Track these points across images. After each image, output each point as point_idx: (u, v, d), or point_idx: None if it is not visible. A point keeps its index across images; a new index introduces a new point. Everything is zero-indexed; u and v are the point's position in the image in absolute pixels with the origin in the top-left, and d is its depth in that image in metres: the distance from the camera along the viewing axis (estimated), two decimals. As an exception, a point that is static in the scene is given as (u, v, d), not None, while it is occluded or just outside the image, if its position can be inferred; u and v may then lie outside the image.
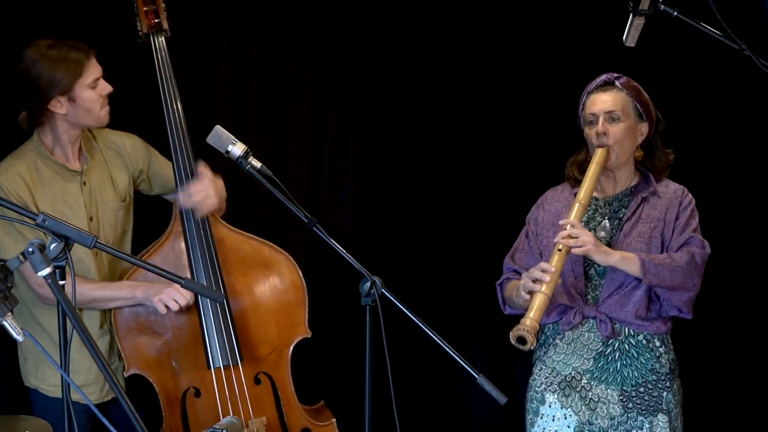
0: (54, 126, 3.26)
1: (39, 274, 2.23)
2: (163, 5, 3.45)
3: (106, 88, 3.27)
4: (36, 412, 3.33)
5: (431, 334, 2.83)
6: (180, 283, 2.64)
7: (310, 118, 4.19)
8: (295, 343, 3.45)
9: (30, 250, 2.22)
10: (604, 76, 3.33)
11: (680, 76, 4.15)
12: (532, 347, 3.04)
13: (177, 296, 3.26)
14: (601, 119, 3.26)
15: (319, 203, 4.21)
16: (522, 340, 3.03)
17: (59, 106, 3.20)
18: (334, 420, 3.49)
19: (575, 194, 3.34)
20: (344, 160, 4.25)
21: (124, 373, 3.35)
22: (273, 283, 3.47)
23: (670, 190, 3.35)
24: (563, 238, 3.13)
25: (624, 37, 3.08)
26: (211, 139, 3.04)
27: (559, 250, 3.13)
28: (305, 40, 4.14)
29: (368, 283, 2.81)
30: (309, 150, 4.19)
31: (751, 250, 4.19)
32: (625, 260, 3.16)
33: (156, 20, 3.43)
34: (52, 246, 2.32)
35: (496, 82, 4.25)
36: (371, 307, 2.82)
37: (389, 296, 2.83)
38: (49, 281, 2.25)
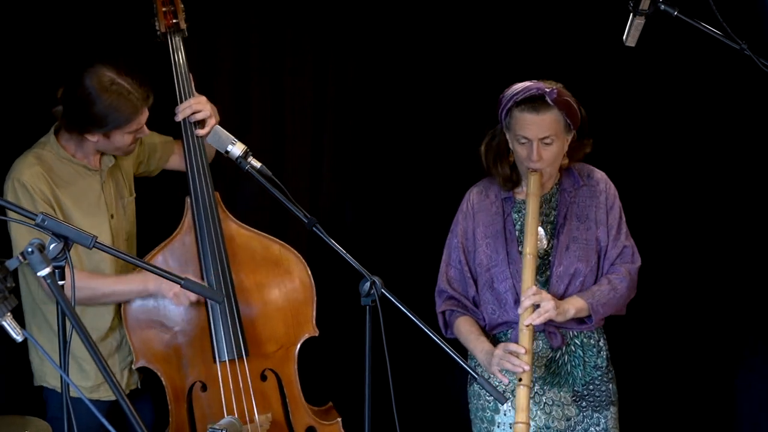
0: (81, 141, 3.28)
1: (38, 274, 2.23)
2: (182, 6, 3.46)
3: (142, 133, 3.30)
4: (52, 413, 3.33)
5: (431, 334, 2.83)
6: (180, 284, 2.64)
7: (311, 118, 4.19)
8: (302, 341, 3.47)
9: (29, 250, 2.22)
10: (534, 89, 3.14)
11: (680, 76, 4.14)
12: None
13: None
14: (535, 145, 3.14)
15: (319, 203, 4.21)
16: None
17: (92, 137, 3.23)
18: (339, 420, 3.50)
19: (505, 199, 3.31)
20: (344, 160, 4.25)
21: (132, 366, 3.37)
22: (282, 280, 3.48)
23: (593, 181, 3.32)
24: (526, 311, 3.09)
25: (624, 37, 3.07)
26: (210, 139, 3.05)
27: (527, 326, 3.10)
28: (305, 41, 4.14)
29: (368, 283, 2.81)
30: (309, 150, 4.19)
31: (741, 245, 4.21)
32: (579, 311, 3.19)
33: (174, 20, 3.45)
34: (52, 246, 2.31)
35: (497, 80, 4.23)
36: (371, 307, 2.82)
37: (389, 296, 2.82)
38: (49, 281, 2.25)
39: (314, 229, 2.91)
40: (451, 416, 4.38)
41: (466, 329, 3.30)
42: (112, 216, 3.37)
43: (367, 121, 4.27)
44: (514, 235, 3.28)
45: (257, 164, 2.96)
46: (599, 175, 3.34)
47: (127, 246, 3.43)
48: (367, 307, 2.82)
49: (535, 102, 3.14)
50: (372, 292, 2.81)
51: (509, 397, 3.17)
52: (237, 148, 2.97)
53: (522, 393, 3.04)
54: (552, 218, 3.29)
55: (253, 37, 4.08)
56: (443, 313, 3.36)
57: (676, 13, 2.96)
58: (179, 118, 3.43)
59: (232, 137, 2.99)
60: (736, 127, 4.12)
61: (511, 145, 3.24)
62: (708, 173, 4.18)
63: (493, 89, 4.24)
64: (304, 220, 2.93)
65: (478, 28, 4.25)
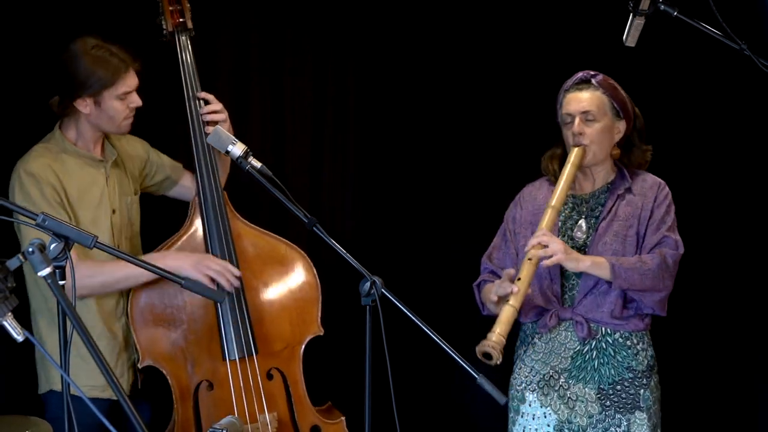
0: (77, 122, 3.29)
1: (39, 274, 2.23)
2: (188, 5, 3.47)
3: (135, 101, 3.29)
4: (52, 412, 3.28)
5: (431, 334, 2.83)
6: (180, 283, 2.64)
7: (311, 118, 4.19)
8: (307, 340, 3.48)
9: (30, 250, 2.22)
10: (580, 74, 3.32)
11: (680, 76, 4.15)
12: (498, 362, 3.03)
13: (228, 275, 3.29)
14: (576, 119, 3.26)
15: (319, 203, 4.21)
16: (488, 355, 3.03)
17: (84, 105, 3.23)
18: (343, 418, 3.51)
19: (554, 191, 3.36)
20: (344, 160, 4.25)
21: (138, 365, 3.36)
22: (288, 280, 3.50)
23: (647, 184, 3.34)
24: (533, 248, 3.14)
25: (624, 37, 3.08)
26: (211, 139, 3.06)
27: (529, 259, 3.13)
28: (305, 41, 4.15)
29: (368, 283, 2.81)
30: (309, 150, 4.20)
31: (740, 247, 4.20)
32: (596, 266, 3.17)
33: (181, 19, 3.45)
34: (52, 246, 2.31)
35: (497, 81, 4.25)
36: (371, 307, 2.82)
37: (389, 296, 2.83)
38: (49, 281, 2.24)
39: (314, 229, 2.92)
40: (452, 416, 4.39)
41: (489, 289, 3.30)
42: (114, 211, 3.36)
43: (366, 120, 4.27)
44: (557, 226, 3.30)
45: (257, 164, 2.97)
46: (654, 179, 3.36)
47: (129, 244, 3.42)
48: (367, 307, 2.82)
49: (581, 83, 3.30)
50: (372, 292, 2.81)
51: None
52: (237, 148, 2.98)
53: (506, 310, 3.08)
54: (597, 213, 3.32)
55: (253, 37, 4.09)
56: (477, 286, 3.40)
57: (676, 13, 2.97)
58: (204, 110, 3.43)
59: (233, 137, 3.00)
60: (736, 127, 4.13)
61: (563, 135, 3.33)
62: (708, 174, 4.18)
63: (492, 89, 4.27)
64: (304, 220, 2.93)
65: (477, 29, 4.25)
